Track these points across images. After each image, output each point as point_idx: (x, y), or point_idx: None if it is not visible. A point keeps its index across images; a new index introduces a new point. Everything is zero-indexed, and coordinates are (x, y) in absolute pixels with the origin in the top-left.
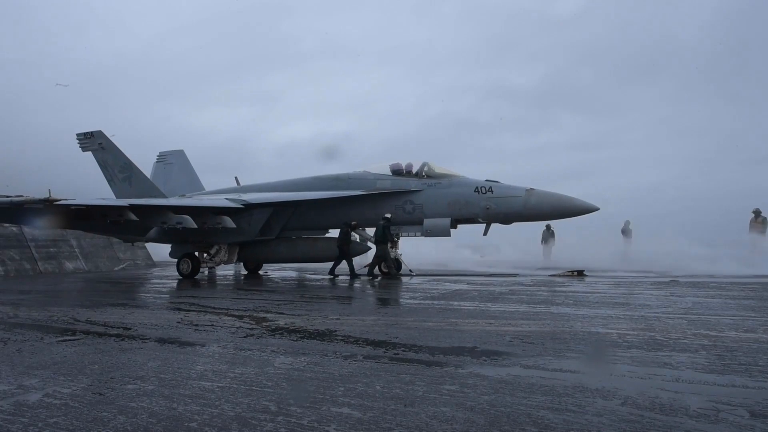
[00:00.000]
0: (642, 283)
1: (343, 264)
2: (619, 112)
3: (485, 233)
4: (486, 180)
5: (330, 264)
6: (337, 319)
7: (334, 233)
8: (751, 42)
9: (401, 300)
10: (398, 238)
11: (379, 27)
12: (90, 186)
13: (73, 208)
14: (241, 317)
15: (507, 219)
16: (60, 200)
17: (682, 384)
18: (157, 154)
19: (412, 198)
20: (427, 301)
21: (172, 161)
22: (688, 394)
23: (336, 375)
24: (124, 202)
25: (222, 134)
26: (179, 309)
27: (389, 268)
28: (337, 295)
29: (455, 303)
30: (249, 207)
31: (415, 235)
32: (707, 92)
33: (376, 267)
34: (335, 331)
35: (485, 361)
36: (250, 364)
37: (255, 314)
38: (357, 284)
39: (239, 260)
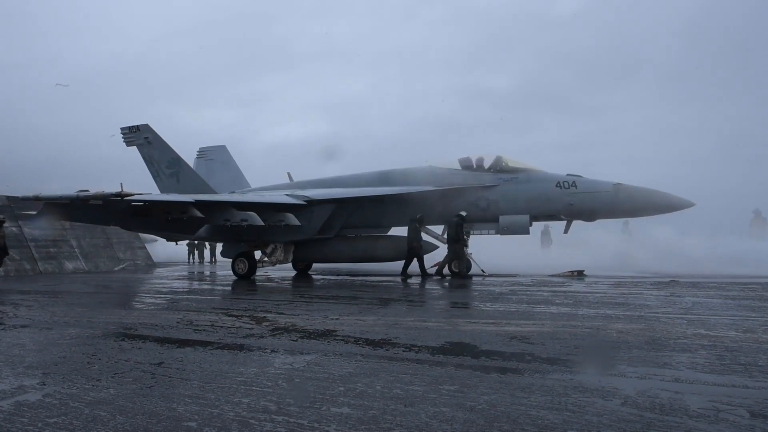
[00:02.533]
0: (642, 283)
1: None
2: (607, 113)
3: (566, 231)
4: (567, 174)
5: (392, 263)
6: (337, 319)
7: (395, 231)
8: (743, 42)
9: (401, 300)
10: (468, 237)
11: (370, 31)
12: (83, 186)
13: (133, 205)
14: (240, 317)
15: (592, 216)
16: (133, 194)
17: (682, 384)
18: (197, 149)
19: (487, 194)
20: (427, 301)
21: (213, 157)
22: (688, 394)
23: (336, 375)
24: (188, 197)
25: (216, 135)
26: (179, 309)
27: (460, 268)
28: (338, 295)
29: (455, 303)
30: (311, 203)
31: (489, 233)
32: (696, 93)
33: (446, 267)
34: (335, 331)
35: (485, 361)
36: (249, 364)
37: (255, 314)
38: (402, 284)
39: (295, 259)
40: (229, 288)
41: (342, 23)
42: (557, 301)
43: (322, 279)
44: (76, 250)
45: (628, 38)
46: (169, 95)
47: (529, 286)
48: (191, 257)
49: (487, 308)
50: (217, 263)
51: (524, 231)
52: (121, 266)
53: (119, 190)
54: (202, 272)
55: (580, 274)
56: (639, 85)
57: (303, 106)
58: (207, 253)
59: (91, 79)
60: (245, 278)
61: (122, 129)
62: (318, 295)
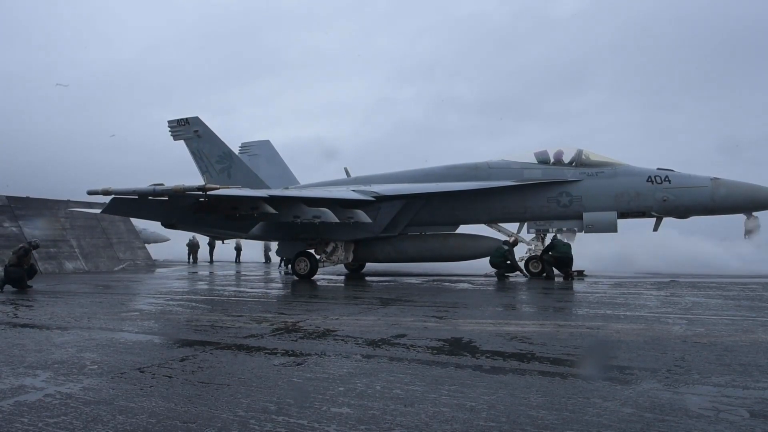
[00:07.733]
0: (642, 283)
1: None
2: (584, 117)
3: (656, 229)
4: (658, 168)
5: (460, 262)
6: (337, 319)
7: (463, 229)
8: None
9: (401, 300)
10: (545, 235)
11: (355, 39)
12: (80, 187)
13: (201, 201)
14: (240, 317)
15: (686, 213)
16: (217, 188)
17: (682, 384)
18: (240, 144)
19: (569, 189)
20: (427, 301)
21: (257, 152)
22: (688, 394)
23: (336, 375)
24: (262, 193)
25: None
26: (179, 309)
27: (545, 270)
28: (337, 295)
29: (456, 302)
30: (379, 199)
31: (572, 231)
32: (686, 94)
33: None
34: (335, 331)
35: (485, 361)
36: (250, 364)
37: (255, 314)
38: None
39: (355, 259)
40: (229, 288)
41: (327, 33)
42: (557, 300)
43: (392, 281)
44: (76, 250)
45: (608, 45)
46: (162, 101)
47: (530, 286)
48: (191, 258)
49: (487, 308)
50: (216, 264)
51: (612, 229)
52: (121, 266)
53: (202, 183)
54: (214, 272)
55: (580, 274)
56: (598, 94)
57: (289, 111)
58: (205, 253)
59: (86, 85)
60: (307, 278)
61: (170, 122)
62: (310, 294)
